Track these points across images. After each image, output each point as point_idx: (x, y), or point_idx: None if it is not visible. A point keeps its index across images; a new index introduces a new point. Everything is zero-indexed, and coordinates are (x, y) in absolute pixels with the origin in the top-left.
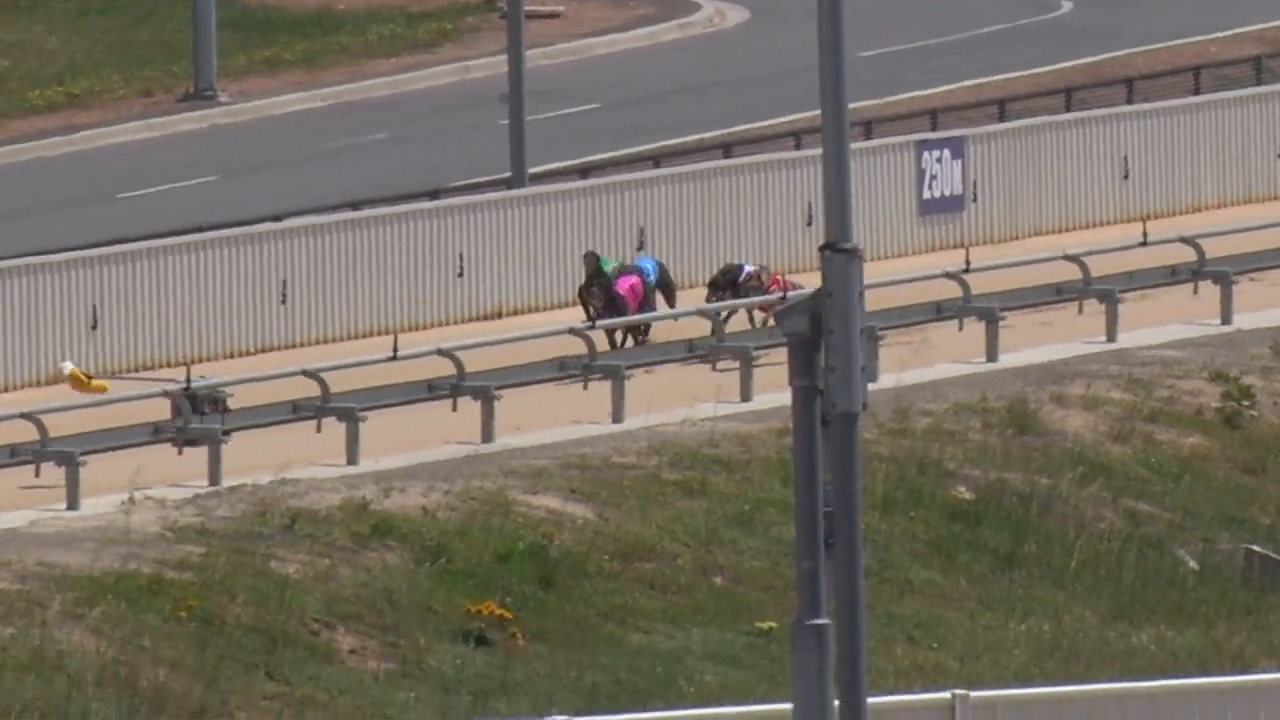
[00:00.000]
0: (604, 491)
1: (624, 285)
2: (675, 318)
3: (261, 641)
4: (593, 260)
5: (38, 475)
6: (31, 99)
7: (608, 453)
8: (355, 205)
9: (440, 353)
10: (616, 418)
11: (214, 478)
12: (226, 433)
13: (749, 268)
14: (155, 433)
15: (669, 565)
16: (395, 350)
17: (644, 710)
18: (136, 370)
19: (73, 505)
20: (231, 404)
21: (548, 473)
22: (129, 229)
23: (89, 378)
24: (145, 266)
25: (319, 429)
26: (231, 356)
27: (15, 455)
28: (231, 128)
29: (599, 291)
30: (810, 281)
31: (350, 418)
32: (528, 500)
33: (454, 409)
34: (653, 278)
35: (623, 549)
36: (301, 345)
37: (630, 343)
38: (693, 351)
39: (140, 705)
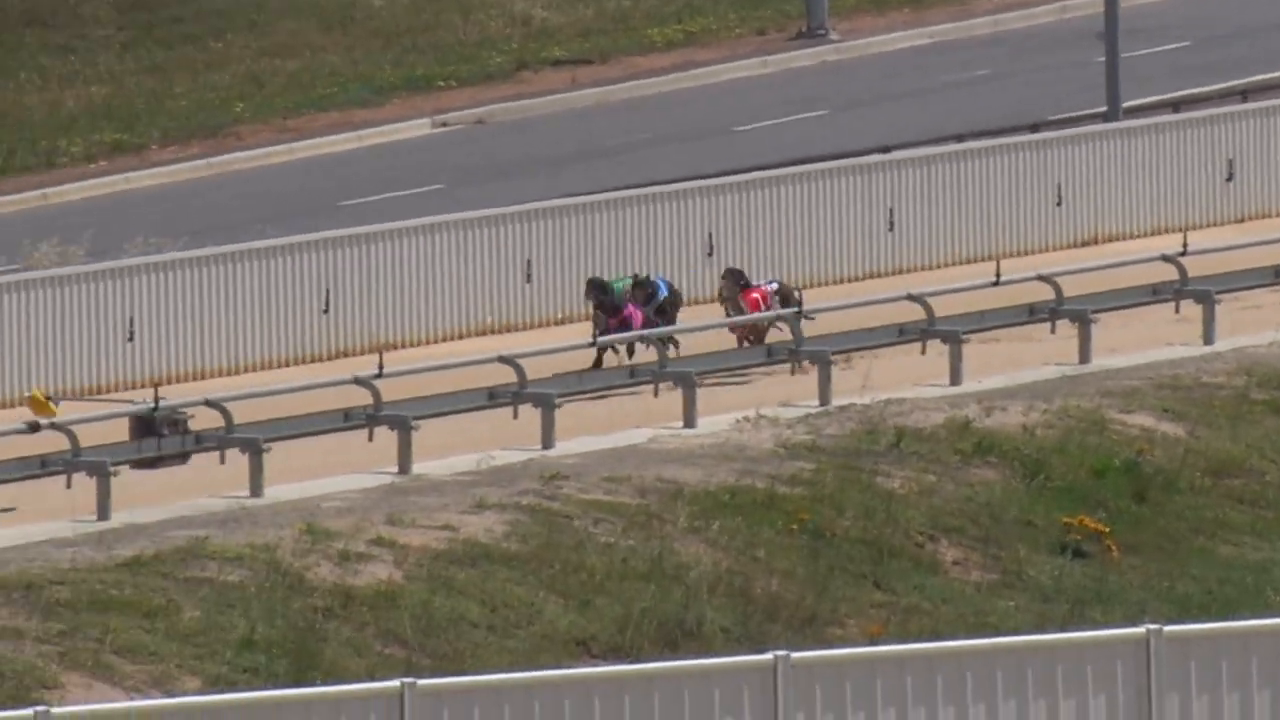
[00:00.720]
0: (1195, 410)
1: (628, 310)
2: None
3: (869, 553)
4: (597, 288)
5: (656, 395)
6: (652, 36)
7: (1198, 373)
8: (959, 138)
9: (1040, 278)
10: (1207, 340)
11: (824, 398)
12: (836, 354)
13: (767, 286)
14: (769, 355)
15: (1257, 481)
16: (998, 276)
17: (1234, 619)
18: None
19: (690, 424)
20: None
21: (1141, 392)
22: (743, 160)
23: (47, 399)
24: (758, 196)
25: (923, 351)
26: (840, 282)
27: (635, 376)
28: (841, 64)
29: (605, 315)
30: None
31: (953, 340)
32: (1122, 419)
33: (1052, 330)
34: (664, 294)
35: (1213, 465)
36: (907, 271)
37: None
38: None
39: (753, 613)
